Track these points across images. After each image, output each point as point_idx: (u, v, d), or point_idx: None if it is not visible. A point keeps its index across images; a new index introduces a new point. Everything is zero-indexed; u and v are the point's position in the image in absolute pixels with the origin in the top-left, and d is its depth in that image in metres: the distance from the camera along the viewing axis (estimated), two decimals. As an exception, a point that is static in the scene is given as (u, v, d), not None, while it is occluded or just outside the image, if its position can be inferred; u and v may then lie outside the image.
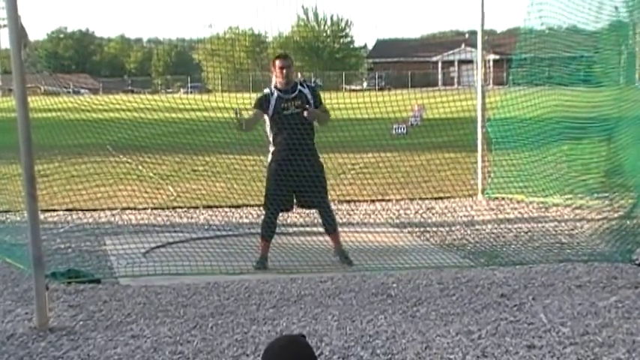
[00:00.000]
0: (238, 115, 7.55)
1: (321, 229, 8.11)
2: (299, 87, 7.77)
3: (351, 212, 10.63)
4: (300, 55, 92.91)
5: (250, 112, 7.85)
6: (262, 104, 7.72)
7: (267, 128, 7.83)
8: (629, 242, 8.01)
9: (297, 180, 7.65)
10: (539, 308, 6.05)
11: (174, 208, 10.98)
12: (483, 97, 11.61)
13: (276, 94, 7.66)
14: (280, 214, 8.10)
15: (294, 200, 7.93)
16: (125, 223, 10.05)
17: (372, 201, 11.39)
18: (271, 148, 7.85)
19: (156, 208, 10.84)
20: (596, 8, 10.43)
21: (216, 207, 10.91)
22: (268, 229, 7.87)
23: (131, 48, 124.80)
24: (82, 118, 11.68)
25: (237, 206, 10.79)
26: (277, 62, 7.73)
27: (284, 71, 7.68)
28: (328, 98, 9.80)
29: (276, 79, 7.71)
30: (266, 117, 7.75)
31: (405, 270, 7.35)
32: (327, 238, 8.10)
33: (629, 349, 5.15)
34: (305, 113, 7.66)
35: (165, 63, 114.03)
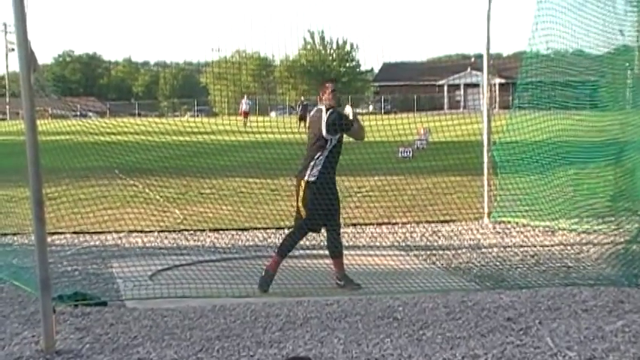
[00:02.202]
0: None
1: (327, 252, 8.10)
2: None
3: (357, 235, 10.63)
4: (307, 79, 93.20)
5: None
6: (333, 114, 7.72)
7: (329, 144, 7.71)
8: (636, 266, 8.00)
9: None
10: (545, 332, 6.04)
11: (180, 230, 11.00)
12: (489, 121, 11.64)
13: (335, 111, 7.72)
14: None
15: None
16: (132, 245, 10.07)
17: (379, 224, 11.39)
18: (328, 166, 7.70)
19: (162, 231, 10.86)
20: (601, 32, 10.49)
21: (223, 230, 10.93)
22: (289, 248, 7.81)
23: (138, 71, 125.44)
24: (89, 141, 11.74)
25: (244, 229, 10.81)
26: (329, 85, 7.93)
27: (336, 94, 7.87)
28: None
29: (328, 101, 7.81)
30: (328, 132, 7.66)
31: (411, 293, 7.35)
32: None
33: (635, 374, 5.14)
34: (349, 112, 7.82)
35: (172, 86, 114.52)
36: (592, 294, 7.16)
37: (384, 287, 7.66)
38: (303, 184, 7.72)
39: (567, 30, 10.42)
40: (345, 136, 7.85)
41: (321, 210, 7.67)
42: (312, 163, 7.72)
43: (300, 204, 7.79)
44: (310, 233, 8.85)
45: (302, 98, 47.12)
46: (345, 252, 8.66)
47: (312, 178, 7.69)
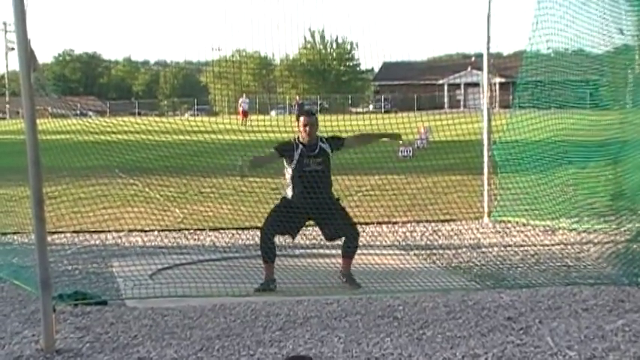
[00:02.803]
0: (240, 163, 7.81)
1: (327, 252, 8.11)
2: (319, 143, 7.96)
3: (358, 235, 10.61)
4: (307, 78, 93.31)
5: (265, 151, 7.99)
6: (285, 152, 7.91)
7: (288, 176, 7.95)
8: (636, 265, 7.99)
9: (312, 215, 7.89)
10: (545, 331, 6.04)
11: (180, 230, 11.00)
12: (489, 120, 11.64)
13: (300, 148, 7.87)
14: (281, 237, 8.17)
15: (323, 234, 8.16)
16: (132, 244, 10.08)
17: (379, 223, 11.39)
18: (289, 194, 7.95)
19: (162, 230, 10.86)
20: (602, 31, 10.49)
21: (223, 229, 10.93)
22: (269, 251, 7.90)
23: (138, 70, 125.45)
24: (89, 141, 11.71)
25: (244, 228, 10.81)
26: (302, 119, 7.94)
27: (307, 129, 7.88)
28: (334, 120, 9.84)
29: (301, 135, 7.92)
30: (287, 166, 7.89)
31: (412, 292, 7.34)
32: (334, 260, 8.15)
33: (636, 373, 5.14)
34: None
35: (172, 85, 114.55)
36: (592, 293, 7.15)
37: (385, 286, 7.66)
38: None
39: (567, 29, 10.41)
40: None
41: (274, 216, 7.94)
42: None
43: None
44: (312, 234, 8.92)
45: (297, 97, 47.19)
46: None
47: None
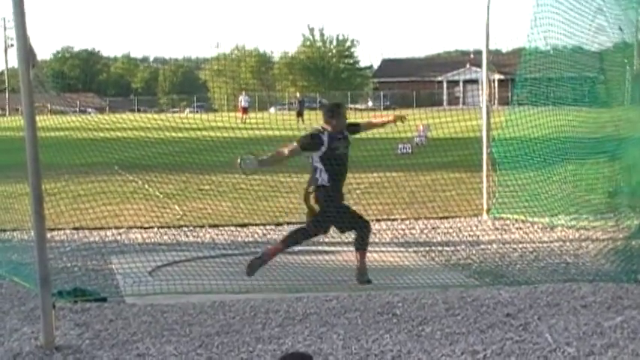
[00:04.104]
0: (246, 161, 7.78)
1: (326, 248, 8.10)
2: (344, 131, 8.13)
3: (357, 231, 10.61)
4: (306, 75, 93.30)
5: (288, 148, 8.01)
6: (313, 140, 7.96)
7: (317, 161, 7.94)
8: (635, 262, 8.01)
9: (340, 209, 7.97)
10: (544, 328, 6.05)
11: (180, 226, 11.00)
12: (488, 117, 11.64)
13: (327, 133, 7.95)
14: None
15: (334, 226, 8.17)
16: (131, 241, 10.08)
17: (378, 220, 11.37)
18: (324, 178, 7.94)
19: (162, 227, 10.86)
20: (600, 28, 10.49)
21: (222, 226, 10.92)
22: (295, 241, 8.03)
23: (137, 67, 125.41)
24: (88, 137, 11.73)
25: (243, 225, 10.81)
26: (335, 111, 8.14)
27: (339, 119, 8.05)
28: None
29: (330, 126, 8.01)
30: (315, 153, 7.91)
31: (411, 289, 7.36)
32: (333, 257, 8.17)
33: (634, 369, 5.15)
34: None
35: (171, 82, 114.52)
36: (591, 290, 7.17)
37: (384, 283, 7.67)
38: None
39: (566, 26, 10.41)
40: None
41: (328, 214, 7.92)
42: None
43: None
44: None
45: (297, 94, 47.13)
46: (344, 248, 8.70)
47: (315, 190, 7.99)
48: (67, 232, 10.62)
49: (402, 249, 9.55)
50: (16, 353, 5.71)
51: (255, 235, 10.30)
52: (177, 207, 12.24)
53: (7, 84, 65.18)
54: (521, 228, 10.64)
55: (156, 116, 24.30)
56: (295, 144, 7.95)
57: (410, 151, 20.07)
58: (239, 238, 10.22)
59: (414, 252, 9.38)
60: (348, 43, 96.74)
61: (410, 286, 7.50)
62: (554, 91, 11.27)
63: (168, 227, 10.91)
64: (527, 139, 11.02)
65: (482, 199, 11.67)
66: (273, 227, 10.73)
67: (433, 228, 10.90)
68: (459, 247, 9.52)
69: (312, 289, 7.45)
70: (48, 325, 5.81)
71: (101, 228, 10.84)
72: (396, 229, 10.81)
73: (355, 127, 8.34)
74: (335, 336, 5.95)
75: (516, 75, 11.63)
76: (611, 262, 8.32)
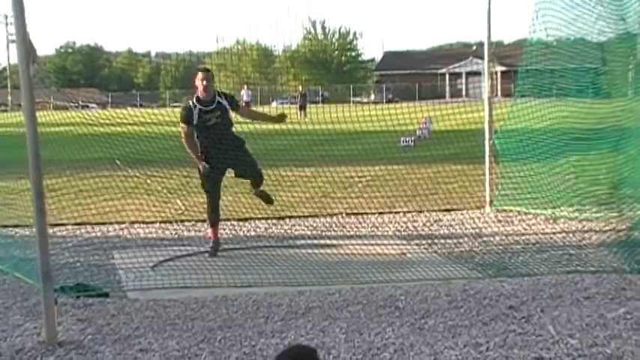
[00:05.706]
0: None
1: (328, 242, 8.10)
2: (217, 98, 8.65)
3: (359, 225, 10.63)
4: (308, 68, 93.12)
5: (183, 127, 8.71)
6: (189, 118, 8.63)
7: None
8: (638, 253, 7.99)
9: (229, 163, 8.74)
10: (547, 320, 6.04)
11: (182, 221, 11.00)
12: (491, 109, 11.61)
13: (197, 107, 8.57)
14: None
15: (234, 174, 9.12)
16: (133, 236, 10.07)
17: (380, 213, 11.38)
18: (199, 149, 8.69)
19: (164, 222, 10.86)
20: (603, 19, 10.45)
21: (224, 220, 10.91)
22: (213, 215, 8.85)
23: (139, 62, 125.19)
24: (90, 133, 11.72)
25: (245, 219, 10.81)
26: (199, 75, 8.67)
27: (204, 83, 8.58)
28: (335, 111, 9.84)
29: (198, 90, 8.60)
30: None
31: (413, 282, 7.35)
32: (336, 250, 8.19)
33: (637, 361, 5.14)
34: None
35: (173, 77, 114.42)
36: (594, 281, 7.16)
37: (386, 276, 7.66)
38: None
39: (568, 17, 10.38)
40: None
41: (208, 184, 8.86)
42: None
43: None
44: (312, 224, 8.99)
45: (300, 88, 47.07)
46: (347, 241, 8.71)
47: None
48: (69, 227, 10.62)
49: (404, 242, 9.54)
50: (18, 349, 5.72)
51: (257, 230, 10.30)
52: (179, 202, 12.23)
53: (9, 80, 65.20)
54: (523, 220, 10.63)
55: (157, 111, 24.29)
56: (184, 126, 8.65)
57: (412, 143, 20.05)
58: (241, 233, 10.22)
59: (417, 245, 9.37)
60: (350, 36, 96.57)
61: (412, 279, 7.49)
62: (556, 82, 11.23)
63: (171, 222, 10.91)
64: (530, 131, 11.00)
65: (484, 192, 11.65)
66: (274, 221, 10.73)
67: (436, 220, 10.89)
68: (461, 240, 9.51)
69: (315, 283, 7.45)
70: (50, 320, 5.82)
71: (103, 223, 10.84)
72: (399, 222, 10.80)
73: (234, 103, 8.86)
74: (337, 329, 5.94)
75: (519, 66, 11.60)
76: (614, 254, 8.31)
